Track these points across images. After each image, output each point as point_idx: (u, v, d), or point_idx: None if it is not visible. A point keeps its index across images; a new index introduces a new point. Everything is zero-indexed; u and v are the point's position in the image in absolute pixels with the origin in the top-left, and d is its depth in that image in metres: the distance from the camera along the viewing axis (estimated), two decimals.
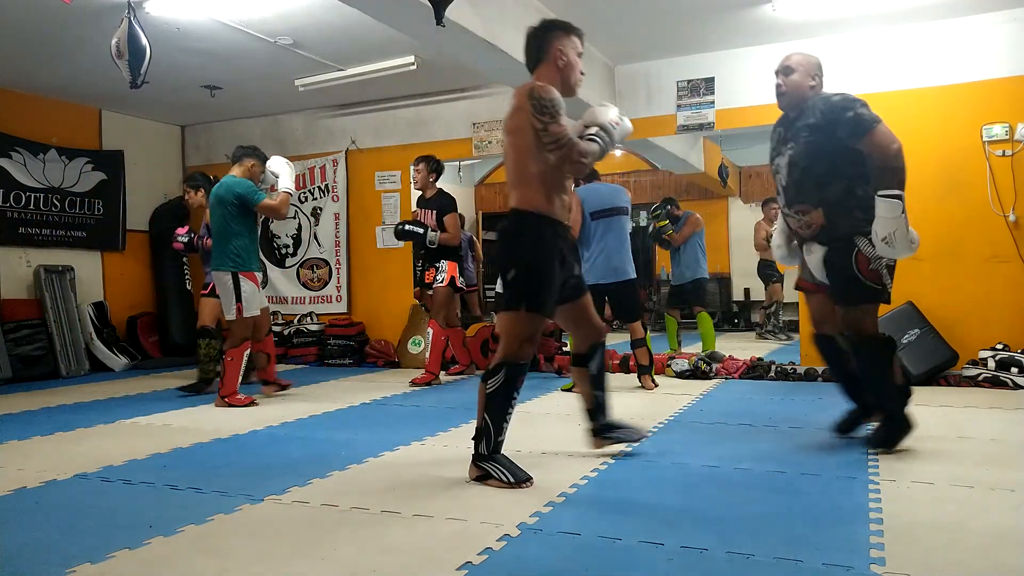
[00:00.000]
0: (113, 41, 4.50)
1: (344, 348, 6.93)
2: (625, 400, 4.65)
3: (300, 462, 3.19)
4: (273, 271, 7.69)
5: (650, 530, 2.23)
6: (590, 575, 1.95)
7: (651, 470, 2.99)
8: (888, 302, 3.21)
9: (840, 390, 3.46)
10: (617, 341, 7.13)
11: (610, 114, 2.89)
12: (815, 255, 3.24)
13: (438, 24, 3.54)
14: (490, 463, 2.74)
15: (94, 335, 6.73)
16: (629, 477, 2.89)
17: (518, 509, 2.45)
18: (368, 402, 4.84)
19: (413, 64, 5.78)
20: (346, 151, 7.37)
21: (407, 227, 5.54)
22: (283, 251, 7.69)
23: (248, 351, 4.75)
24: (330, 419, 4.25)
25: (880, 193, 2.95)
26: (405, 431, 3.81)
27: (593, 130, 2.82)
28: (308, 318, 7.40)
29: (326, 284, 7.52)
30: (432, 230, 5.49)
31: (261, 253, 7.56)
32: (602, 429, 3.11)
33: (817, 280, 3.32)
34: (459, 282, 5.63)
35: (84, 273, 7.00)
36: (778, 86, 3.26)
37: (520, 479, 2.70)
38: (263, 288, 5.07)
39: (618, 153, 10.21)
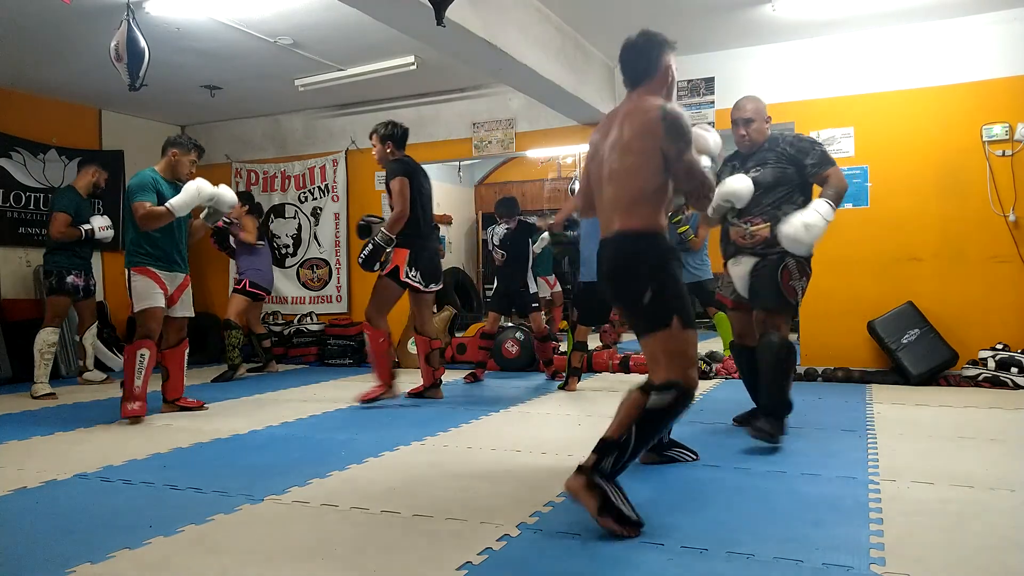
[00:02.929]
0: (112, 44, 4.50)
1: (344, 348, 6.93)
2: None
3: (300, 462, 3.19)
4: (273, 271, 7.68)
5: (650, 530, 2.23)
6: (590, 575, 1.95)
7: (651, 470, 2.99)
8: (794, 315, 3.66)
9: (751, 392, 3.79)
10: (619, 342, 7.14)
11: (716, 142, 2.89)
12: (742, 267, 3.58)
13: (438, 24, 3.54)
14: (611, 485, 2.28)
15: (94, 335, 6.72)
16: (629, 477, 2.88)
17: (518, 509, 2.45)
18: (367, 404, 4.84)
19: (413, 64, 5.78)
20: (346, 151, 7.36)
21: (366, 252, 4.58)
22: (283, 251, 7.69)
23: (144, 351, 4.20)
24: (330, 419, 4.25)
25: (827, 198, 3.36)
26: (405, 431, 3.82)
27: (707, 163, 2.78)
28: (308, 318, 7.41)
29: (326, 284, 7.53)
30: (379, 229, 4.62)
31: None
32: (662, 446, 3.07)
33: (736, 295, 3.67)
34: (406, 276, 4.56)
35: None
36: (742, 136, 3.63)
37: (637, 521, 2.26)
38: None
39: None
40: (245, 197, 6.39)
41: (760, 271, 3.48)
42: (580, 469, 2.30)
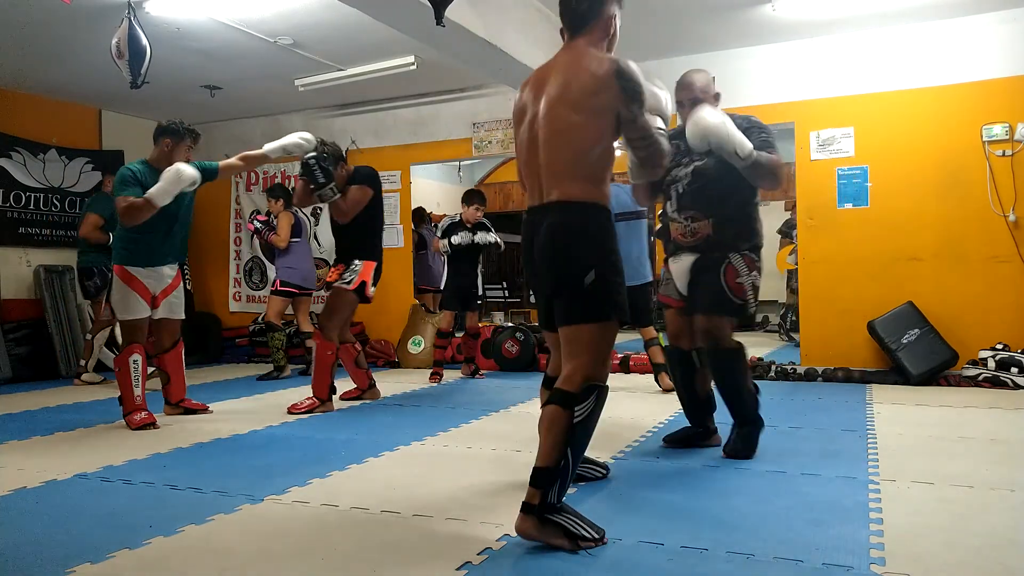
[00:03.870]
0: (113, 41, 4.50)
1: None
2: (624, 402, 4.65)
3: (300, 462, 3.19)
4: (273, 271, 7.68)
5: (650, 530, 2.23)
6: (590, 575, 1.95)
7: (651, 470, 2.99)
8: (747, 320, 3.16)
9: (684, 406, 3.41)
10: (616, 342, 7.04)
11: (668, 100, 2.54)
12: (682, 263, 3.25)
13: (438, 24, 3.54)
14: (563, 516, 2.13)
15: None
16: (629, 477, 2.89)
17: (518, 509, 2.45)
18: (368, 402, 4.84)
19: (413, 64, 5.78)
20: (346, 151, 7.33)
21: (312, 162, 4.27)
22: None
23: (136, 356, 4.03)
24: (330, 419, 4.25)
25: (755, 150, 2.96)
26: (405, 431, 3.82)
27: (660, 124, 2.42)
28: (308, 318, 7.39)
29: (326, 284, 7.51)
30: (333, 189, 4.32)
31: (260, 252, 7.63)
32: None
33: (678, 295, 3.31)
34: (370, 292, 4.54)
35: None
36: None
37: (600, 535, 2.15)
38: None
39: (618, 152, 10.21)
40: (280, 190, 6.34)
41: (701, 271, 3.15)
42: (527, 508, 2.12)
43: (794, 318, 8.47)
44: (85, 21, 4.90)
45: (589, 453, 3.15)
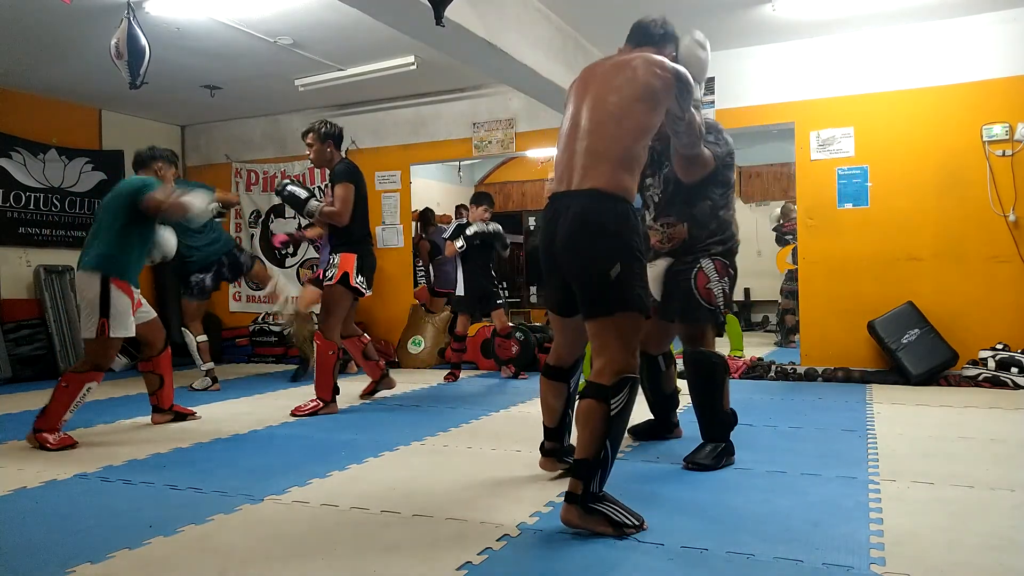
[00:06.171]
0: (112, 42, 4.50)
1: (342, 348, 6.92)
2: None
3: (300, 462, 3.19)
4: (273, 271, 7.69)
5: (650, 530, 2.23)
6: (590, 575, 1.95)
7: (651, 471, 2.99)
8: (719, 327, 3.17)
9: (648, 401, 3.47)
10: None
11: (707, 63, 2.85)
12: (657, 268, 3.19)
13: (438, 24, 3.54)
14: (606, 504, 2.21)
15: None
16: (628, 478, 2.88)
17: (518, 509, 2.45)
18: (368, 402, 4.84)
19: (413, 64, 5.79)
20: (346, 151, 7.34)
21: (288, 188, 4.43)
22: (283, 251, 7.69)
23: (93, 385, 3.69)
24: (330, 419, 4.25)
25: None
26: (405, 431, 3.82)
27: (697, 94, 2.65)
28: None
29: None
30: (317, 199, 4.40)
31: (260, 252, 7.64)
32: (566, 451, 2.84)
33: (652, 300, 3.22)
34: (355, 282, 4.40)
35: None
36: None
37: (640, 522, 2.23)
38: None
39: None
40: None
41: (674, 277, 3.12)
42: (570, 498, 2.20)
43: (783, 319, 8.32)
44: (85, 21, 4.90)
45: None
